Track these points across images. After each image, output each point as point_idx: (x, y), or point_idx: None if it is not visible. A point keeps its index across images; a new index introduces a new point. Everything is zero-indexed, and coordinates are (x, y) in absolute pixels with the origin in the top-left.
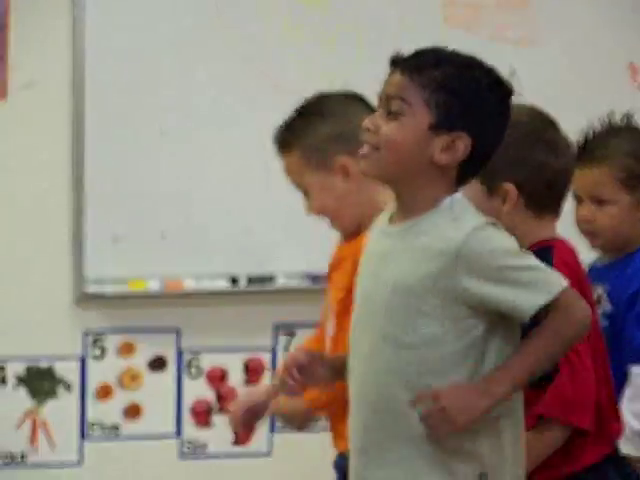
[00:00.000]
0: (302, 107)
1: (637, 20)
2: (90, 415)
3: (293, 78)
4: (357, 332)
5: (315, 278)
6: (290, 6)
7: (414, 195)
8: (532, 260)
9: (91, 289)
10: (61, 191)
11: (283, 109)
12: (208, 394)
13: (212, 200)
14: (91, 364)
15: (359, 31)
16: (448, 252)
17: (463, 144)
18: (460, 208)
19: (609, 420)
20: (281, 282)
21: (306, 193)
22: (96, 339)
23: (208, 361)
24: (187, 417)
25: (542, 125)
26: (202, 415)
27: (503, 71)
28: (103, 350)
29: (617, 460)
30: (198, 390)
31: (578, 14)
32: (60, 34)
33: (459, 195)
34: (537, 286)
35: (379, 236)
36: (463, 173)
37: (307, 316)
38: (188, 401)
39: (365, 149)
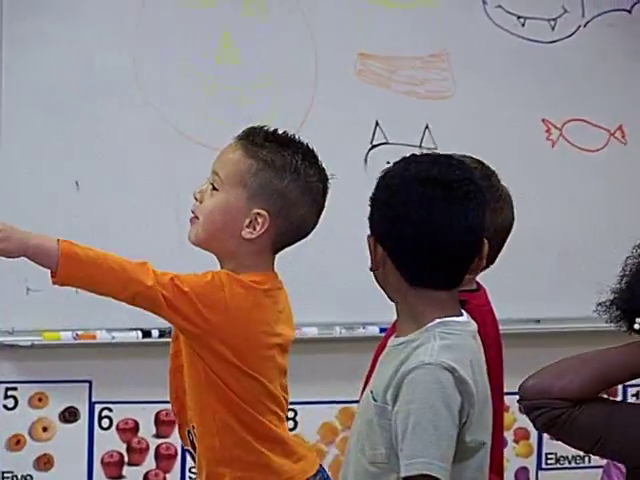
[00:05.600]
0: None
1: (551, 77)
2: (2, 465)
3: (207, 130)
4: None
5: None
6: (203, 60)
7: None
8: (437, 424)
9: (3, 340)
10: None
11: (197, 161)
12: (119, 446)
13: (125, 252)
14: (3, 414)
15: (274, 83)
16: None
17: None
18: (429, 337)
19: None
20: None
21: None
22: (8, 389)
23: (120, 413)
24: (98, 469)
25: None
26: (113, 467)
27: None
28: (15, 401)
29: None
30: (109, 442)
31: (493, 69)
32: None
33: (446, 321)
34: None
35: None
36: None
37: None
38: (99, 453)
39: None
